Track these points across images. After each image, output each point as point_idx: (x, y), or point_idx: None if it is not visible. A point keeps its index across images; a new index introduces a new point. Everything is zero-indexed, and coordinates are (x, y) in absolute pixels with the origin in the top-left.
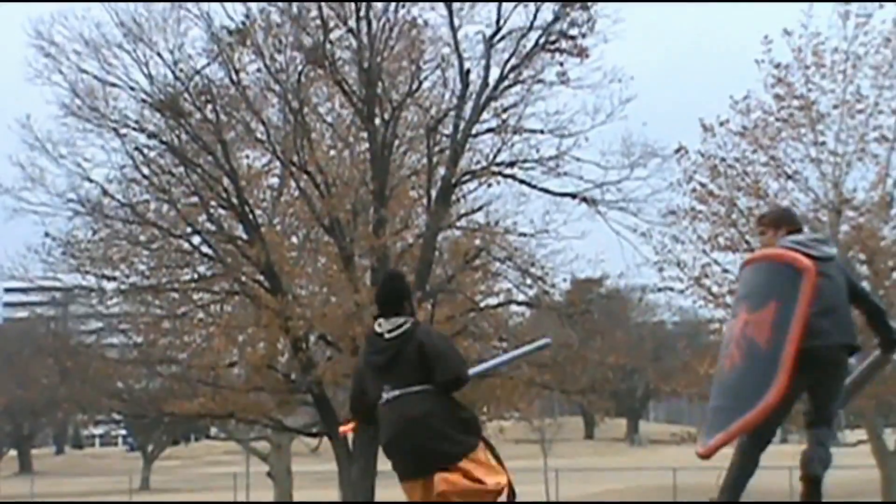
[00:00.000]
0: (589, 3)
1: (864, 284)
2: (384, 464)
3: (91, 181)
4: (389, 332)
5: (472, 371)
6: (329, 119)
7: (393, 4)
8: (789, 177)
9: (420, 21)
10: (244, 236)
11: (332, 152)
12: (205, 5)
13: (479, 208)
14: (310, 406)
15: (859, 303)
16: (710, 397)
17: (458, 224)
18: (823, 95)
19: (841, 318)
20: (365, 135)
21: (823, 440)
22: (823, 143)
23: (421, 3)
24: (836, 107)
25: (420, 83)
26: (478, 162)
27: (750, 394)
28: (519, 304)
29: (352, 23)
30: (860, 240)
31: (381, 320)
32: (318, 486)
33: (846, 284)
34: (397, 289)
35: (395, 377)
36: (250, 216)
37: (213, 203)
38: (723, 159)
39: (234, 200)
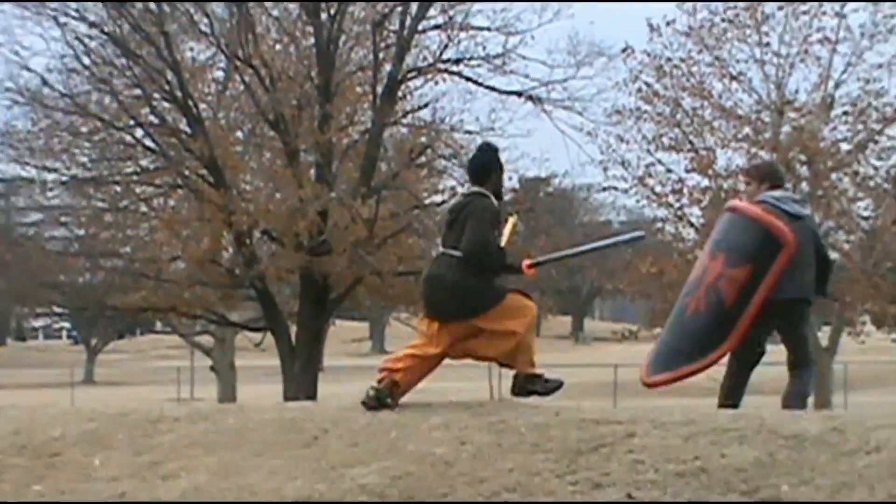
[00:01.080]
0: None
1: (804, 185)
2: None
3: (30, 70)
4: (462, 196)
5: (557, 255)
6: (275, 13)
7: None
8: (733, 77)
9: None
10: (188, 130)
11: (278, 46)
12: None
13: (425, 105)
14: (253, 301)
15: (816, 256)
16: (665, 330)
17: (403, 121)
18: None
19: (802, 274)
20: (311, 29)
21: (801, 378)
22: (768, 45)
23: None
24: (780, 8)
25: None
26: (424, 59)
27: (704, 344)
28: None
29: None
30: (801, 141)
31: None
32: (262, 381)
33: (812, 240)
34: (488, 160)
35: (448, 237)
36: (194, 110)
37: (156, 96)
38: (668, 59)
39: (178, 93)
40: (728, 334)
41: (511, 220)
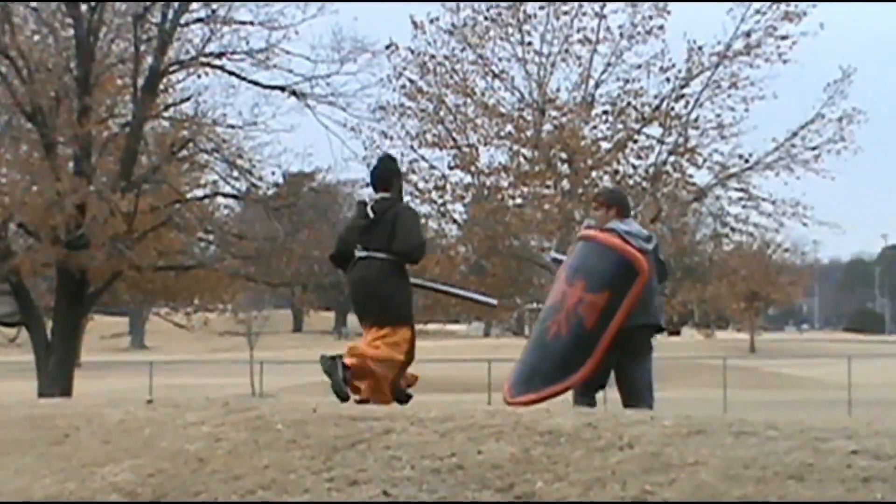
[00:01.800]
0: None
1: (565, 183)
2: (86, 355)
3: None
4: (376, 202)
5: (419, 281)
6: (33, 3)
7: None
8: (496, 75)
9: None
10: None
11: (37, 37)
12: None
13: (187, 99)
14: (7, 295)
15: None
16: (528, 351)
17: (165, 114)
18: None
19: (652, 301)
20: (71, 20)
21: (644, 395)
22: (530, 44)
23: None
24: (542, 7)
25: None
26: (186, 52)
27: (567, 366)
28: (225, 196)
29: None
30: (562, 139)
31: (372, 193)
32: (16, 377)
33: (657, 268)
34: (389, 169)
35: (369, 240)
36: None
37: None
38: (432, 56)
39: None
40: (589, 356)
41: None
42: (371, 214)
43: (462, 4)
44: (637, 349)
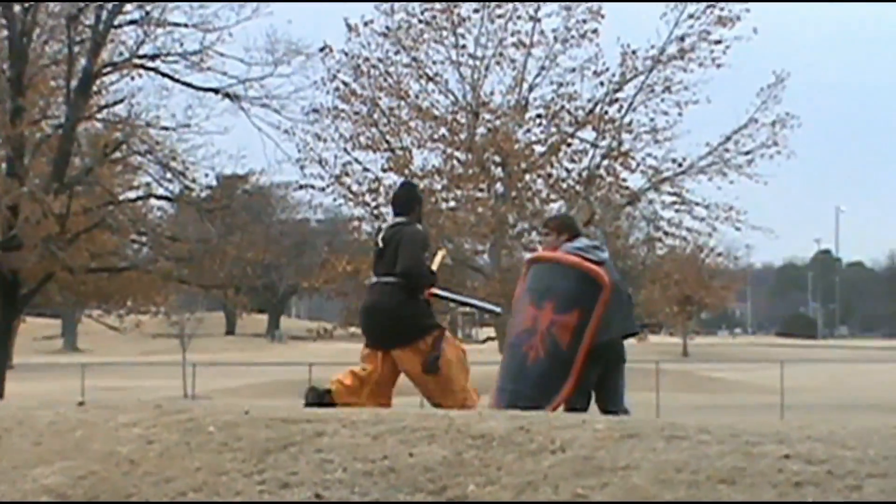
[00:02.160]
0: None
1: (499, 186)
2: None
3: None
4: (386, 229)
5: (436, 291)
6: None
7: None
8: (430, 78)
9: None
10: None
11: None
12: None
13: (121, 101)
14: None
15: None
16: (506, 378)
17: (98, 116)
18: None
19: (619, 312)
20: (3, 21)
21: (621, 401)
22: (464, 47)
23: None
24: (476, 11)
25: None
26: (120, 54)
27: (549, 389)
28: (158, 198)
29: None
30: (495, 142)
31: (390, 219)
32: None
33: (618, 281)
34: (408, 194)
35: (380, 266)
36: None
37: None
38: (366, 59)
39: None
40: (567, 376)
41: (440, 253)
42: (381, 242)
43: (396, 7)
44: (616, 358)
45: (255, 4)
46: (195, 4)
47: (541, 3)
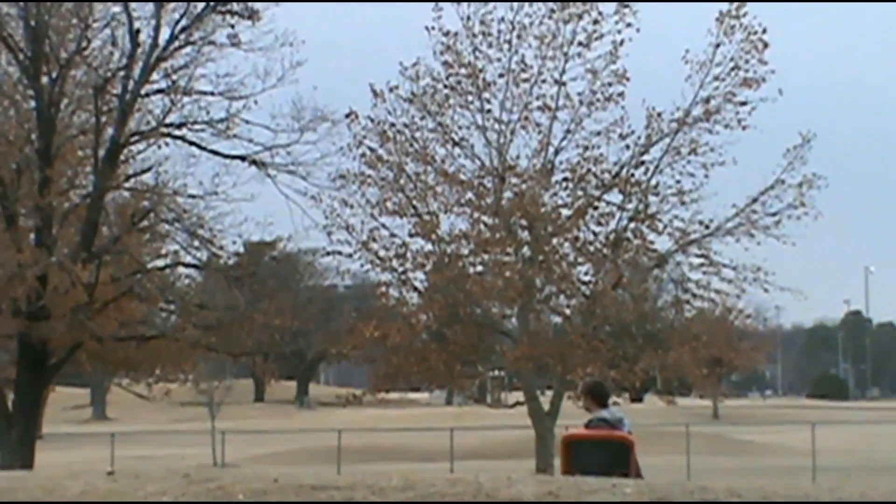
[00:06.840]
0: None
1: (525, 250)
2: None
3: None
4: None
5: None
6: None
7: None
8: (456, 143)
9: None
10: None
11: None
12: None
13: (148, 169)
14: None
15: None
16: None
17: (126, 185)
18: (490, 64)
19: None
20: (31, 92)
21: None
22: (489, 111)
23: None
24: (501, 75)
25: (89, 41)
26: (147, 123)
27: None
28: (186, 265)
29: None
30: (522, 206)
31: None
32: None
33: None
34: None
35: None
36: None
37: None
38: (392, 125)
39: None
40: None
41: None
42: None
43: (421, 72)
44: None
45: (280, 72)
46: (221, 72)
47: (566, 67)
